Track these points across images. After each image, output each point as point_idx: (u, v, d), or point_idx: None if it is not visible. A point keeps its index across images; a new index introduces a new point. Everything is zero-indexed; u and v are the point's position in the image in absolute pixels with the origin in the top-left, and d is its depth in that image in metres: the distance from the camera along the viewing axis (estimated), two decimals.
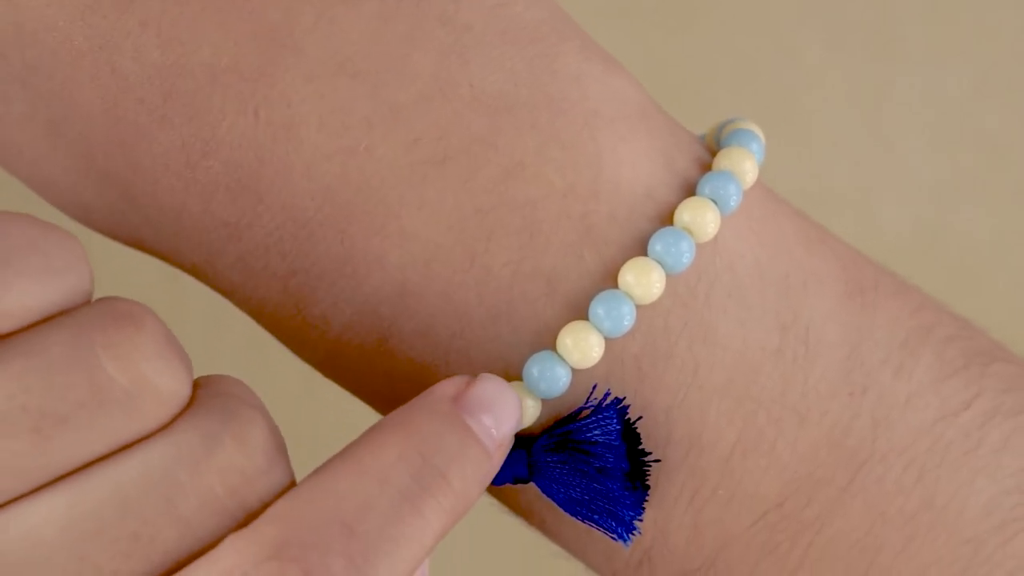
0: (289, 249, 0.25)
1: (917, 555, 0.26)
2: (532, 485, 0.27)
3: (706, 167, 0.27)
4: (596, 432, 0.25)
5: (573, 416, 0.26)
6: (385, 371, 0.26)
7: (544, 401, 0.26)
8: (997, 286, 0.66)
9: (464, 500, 0.24)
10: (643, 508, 0.26)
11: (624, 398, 0.25)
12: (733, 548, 0.26)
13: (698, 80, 0.64)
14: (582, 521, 0.26)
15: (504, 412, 0.24)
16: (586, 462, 0.25)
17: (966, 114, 0.66)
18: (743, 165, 0.26)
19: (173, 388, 0.22)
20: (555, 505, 0.27)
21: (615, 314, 0.25)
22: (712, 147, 0.28)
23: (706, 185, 0.26)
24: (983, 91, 0.66)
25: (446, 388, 0.24)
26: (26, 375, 0.20)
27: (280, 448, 0.23)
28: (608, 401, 0.25)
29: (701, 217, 0.26)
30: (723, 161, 0.27)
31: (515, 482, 0.26)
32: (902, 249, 0.64)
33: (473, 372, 0.26)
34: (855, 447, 0.26)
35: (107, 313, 0.22)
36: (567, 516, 0.27)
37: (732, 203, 0.26)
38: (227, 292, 0.27)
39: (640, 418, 0.26)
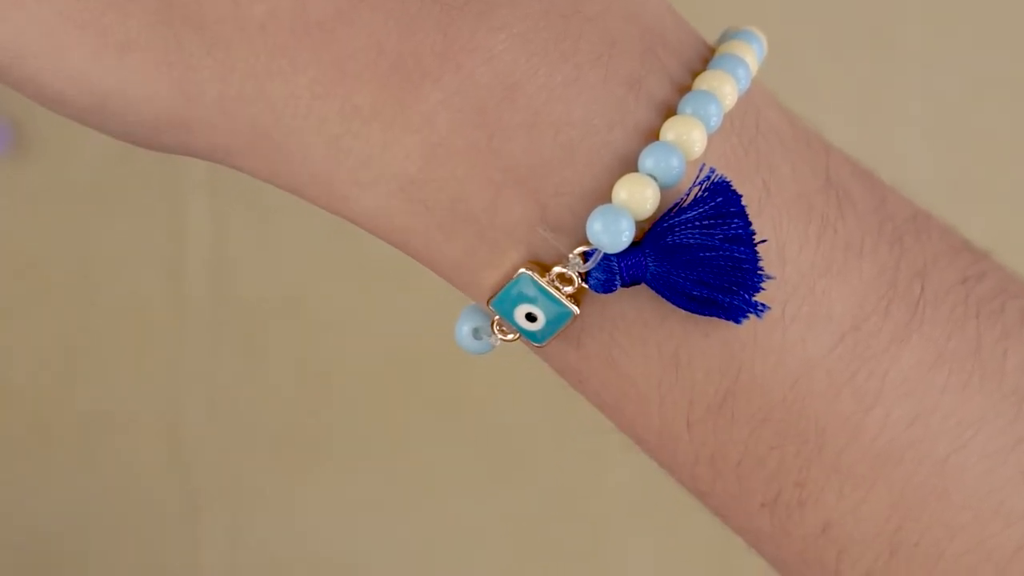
0: (389, 47, 0.25)
1: (972, 399, 0.27)
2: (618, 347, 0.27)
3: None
4: (717, 201, 0.26)
5: (685, 198, 0.26)
6: (486, 180, 0.26)
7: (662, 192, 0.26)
8: None
9: None
10: (766, 276, 0.26)
11: (725, 177, 0.26)
12: (816, 374, 0.27)
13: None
14: (704, 312, 0.26)
15: None
16: (709, 235, 0.26)
17: (964, 114, 0.66)
18: (757, 34, 0.29)
19: None
20: (631, 367, 0.27)
21: (704, 112, 0.26)
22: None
23: (735, 36, 0.28)
24: (981, 91, 0.66)
25: None
26: None
27: None
28: (717, 177, 0.26)
29: (741, 55, 0.27)
30: (734, 33, 0.29)
31: (630, 282, 0.26)
32: None
33: (577, 171, 0.26)
34: (905, 287, 0.27)
35: None
36: (654, 352, 0.27)
37: (759, 57, 0.28)
38: None
39: (741, 196, 0.26)
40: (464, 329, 0.28)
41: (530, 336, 0.27)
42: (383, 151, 0.25)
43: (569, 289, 0.26)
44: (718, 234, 0.26)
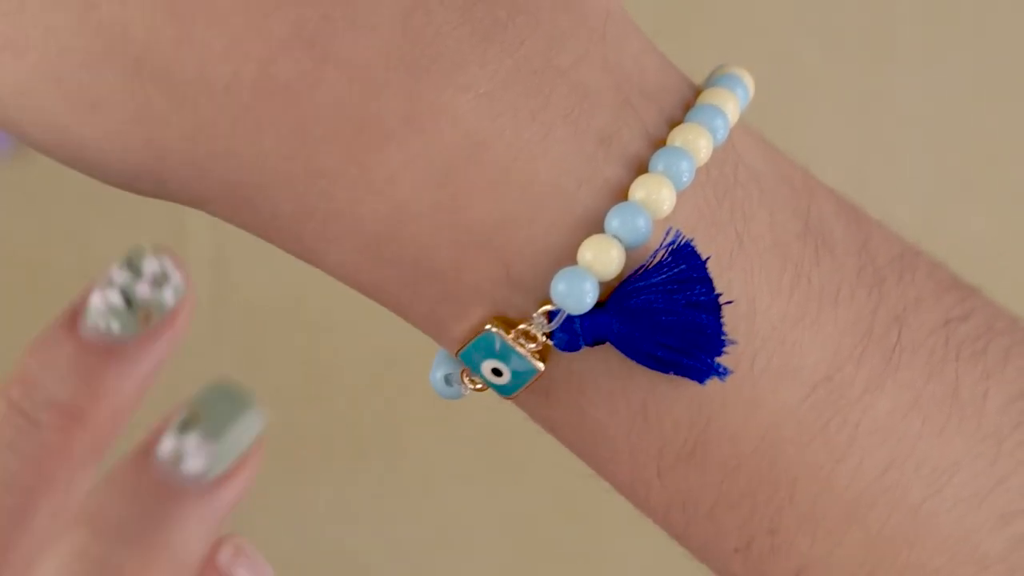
0: (353, 109, 0.25)
1: (949, 444, 0.27)
2: (583, 394, 0.27)
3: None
4: (681, 267, 0.26)
5: (651, 261, 0.26)
6: (450, 240, 0.26)
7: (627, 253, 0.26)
8: (996, 287, 0.66)
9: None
10: (729, 341, 0.26)
11: (691, 240, 0.26)
12: (787, 425, 0.27)
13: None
14: (668, 371, 0.26)
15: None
16: (672, 301, 0.26)
17: (964, 114, 0.66)
18: (744, 79, 0.29)
19: None
20: (600, 418, 0.27)
21: (675, 169, 0.26)
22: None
23: (718, 82, 0.28)
24: (981, 91, 0.66)
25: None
26: None
27: None
28: (679, 244, 0.26)
29: (722, 104, 0.27)
30: (725, 71, 0.29)
31: (594, 342, 0.26)
32: None
33: (543, 230, 0.26)
34: (883, 332, 0.27)
35: None
36: (623, 407, 0.27)
37: (743, 103, 0.28)
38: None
39: (709, 258, 0.26)
40: (438, 374, 0.28)
41: (498, 389, 0.27)
42: (348, 210, 0.26)
43: (534, 346, 0.26)
44: (681, 300, 0.26)
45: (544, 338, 0.26)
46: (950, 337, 0.28)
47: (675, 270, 0.26)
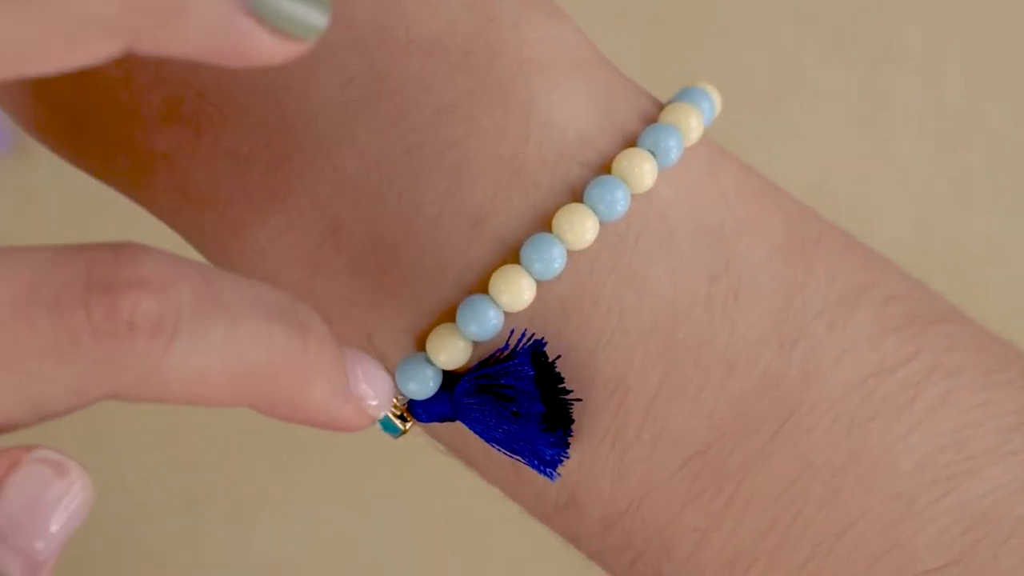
0: (224, 182, 0.26)
1: (844, 508, 0.26)
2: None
3: (651, 121, 0.27)
4: (509, 379, 0.25)
5: (491, 359, 0.26)
6: (315, 305, 0.26)
7: (475, 344, 0.26)
8: (996, 286, 0.66)
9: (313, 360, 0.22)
10: (566, 447, 0.26)
11: (543, 340, 0.26)
12: (657, 493, 0.26)
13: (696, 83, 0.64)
14: (510, 457, 0.26)
15: (378, 385, 0.24)
16: (503, 405, 0.26)
17: (965, 114, 0.66)
18: (689, 121, 0.27)
19: None
20: (480, 465, 0.27)
21: (546, 257, 0.25)
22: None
23: (647, 137, 0.26)
24: (982, 91, 0.67)
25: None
26: None
27: None
28: (525, 344, 0.25)
29: (638, 168, 0.26)
30: (669, 116, 0.27)
31: (442, 420, 0.26)
32: (901, 249, 0.64)
33: (400, 311, 0.26)
34: (784, 397, 0.26)
35: None
36: (498, 457, 0.27)
37: (672, 156, 0.26)
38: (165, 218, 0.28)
39: (559, 357, 0.26)
40: None
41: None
42: (224, 266, 0.27)
43: (395, 410, 0.26)
44: (511, 406, 0.26)
45: (402, 405, 0.27)
46: (872, 393, 0.26)
47: (508, 377, 0.25)
